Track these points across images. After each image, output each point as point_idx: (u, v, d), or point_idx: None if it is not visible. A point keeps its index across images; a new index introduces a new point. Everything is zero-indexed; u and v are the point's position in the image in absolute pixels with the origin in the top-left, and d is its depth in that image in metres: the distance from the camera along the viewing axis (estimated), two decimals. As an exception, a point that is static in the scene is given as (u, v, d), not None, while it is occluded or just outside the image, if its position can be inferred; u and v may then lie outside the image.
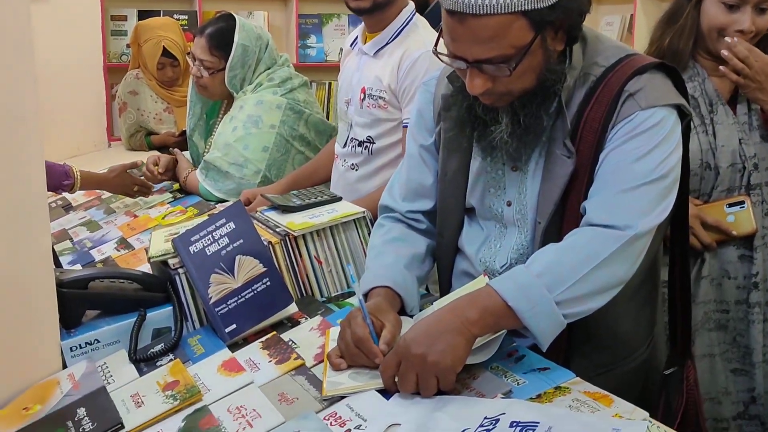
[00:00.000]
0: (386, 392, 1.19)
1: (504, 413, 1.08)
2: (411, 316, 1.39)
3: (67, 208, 2.66)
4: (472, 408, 1.12)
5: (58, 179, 2.39)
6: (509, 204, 1.40)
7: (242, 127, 2.46)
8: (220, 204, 2.36)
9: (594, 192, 1.28)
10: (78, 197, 2.78)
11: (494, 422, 1.07)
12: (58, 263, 1.72)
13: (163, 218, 2.30)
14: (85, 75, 3.72)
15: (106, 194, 2.73)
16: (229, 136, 2.45)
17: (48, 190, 2.50)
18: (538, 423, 1.05)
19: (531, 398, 1.15)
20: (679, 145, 1.28)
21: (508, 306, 1.18)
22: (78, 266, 2.03)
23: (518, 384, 1.19)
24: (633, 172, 1.25)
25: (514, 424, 1.06)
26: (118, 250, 2.09)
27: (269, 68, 2.56)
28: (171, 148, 2.96)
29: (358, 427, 1.12)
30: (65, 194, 2.83)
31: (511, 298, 1.18)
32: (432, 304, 1.40)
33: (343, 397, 1.20)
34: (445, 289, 1.52)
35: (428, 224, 1.53)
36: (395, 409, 1.14)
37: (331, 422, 1.14)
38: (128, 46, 3.89)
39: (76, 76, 3.61)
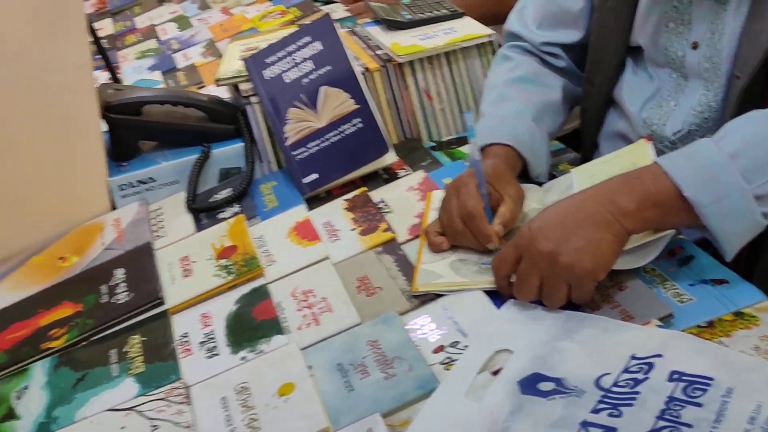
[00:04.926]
0: (497, 295, 0.89)
1: (660, 355, 0.76)
2: (540, 184, 1.05)
3: (162, -1, 2.38)
4: (613, 338, 0.80)
5: None
6: (695, 46, 0.99)
7: None
8: (326, 6, 2.00)
9: None
10: (175, -14, 2.48)
11: (646, 367, 0.75)
12: (114, 77, 1.45)
13: (260, 19, 1.98)
14: None
15: (204, -15, 2.42)
16: None
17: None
18: (712, 380, 0.72)
19: (699, 326, 0.81)
20: None
21: (683, 196, 0.82)
22: (158, 73, 1.76)
23: (681, 302, 0.85)
24: None
25: (676, 376, 0.74)
26: (204, 57, 1.80)
27: None
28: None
29: (453, 344, 0.83)
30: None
31: (689, 184, 0.82)
32: (569, 169, 1.05)
33: (439, 295, 0.90)
34: (589, 152, 1.16)
35: (568, 62, 1.15)
36: (506, 326, 0.84)
37: (418, 332, 0.86)
38: None
39: None
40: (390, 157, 1.16)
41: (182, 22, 2.10)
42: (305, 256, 1.01)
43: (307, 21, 1.81)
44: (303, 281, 0.97)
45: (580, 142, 1.21)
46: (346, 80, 1.14)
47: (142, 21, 2.20)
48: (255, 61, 1.19)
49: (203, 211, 1.15)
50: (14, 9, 1.04)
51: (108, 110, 1.17)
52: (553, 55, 1.15)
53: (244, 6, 2.15)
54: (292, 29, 1.28)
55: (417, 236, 1.01)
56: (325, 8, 1.96)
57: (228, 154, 1.21)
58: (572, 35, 1.13)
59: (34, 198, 1.14)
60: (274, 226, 1.09)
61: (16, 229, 1.14)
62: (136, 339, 0.93)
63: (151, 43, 1.99)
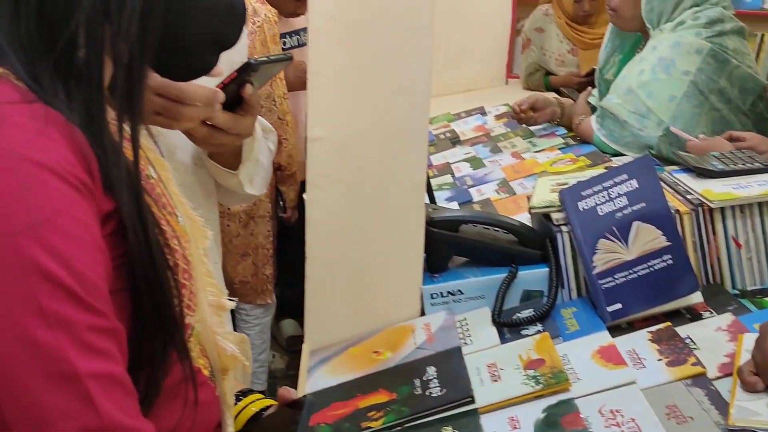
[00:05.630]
0: (821, 440, 0.87)
1: None
2: None
3: (455, 141, 2.56)
4: None
5: None
6: None
7: (650, 71, 2.11)
8: (615, 157, 2.07)
9: None
10: (467, 131, 2.68)
11: None
12: (432, 199, 1.59)
13: (551, 165, 2.09)
14: (492, 6, 3.57)
15: (495, 131, 2.59)
16: (633, 80, 2.12)
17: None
18: None
19: None
20: None
21: None
22: (454, 204, 1.90)
23: None
24: None
25: None
26: (498, 193, 1.93)
27: (697, 5, 2.16)
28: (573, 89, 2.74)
29: (775, 482, 0.82)
30: (455, 127, 2.75)
31: None
32: None
33: (756, 432, 0.90)
34: None
35: None
36: (835, 470, 0.82)
37: (736, 464, 0.85)
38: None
39: (482, 6, 3.48)
40: (696, 297, 1.17)
41: (475, 162, 2.26)
42: (611, 378, 1.04)
43: (599, 170, 1.88)
44: (609, 401, 1.00)
45: None
46: (660, 218, 1.18)
47: (437, 159, 2.39)
48: (571, 193, 1.27)
49: (508, 326, 1.22)
50: (377, 134, 1.21)
51: (429, 225, 1.30)
52: None
53: (533, 153, 2.28)
54: (599, 170, 1.36)
55: (729, 374, 1.01)
56: (616, 159, 2.03)
57: (532, 277, 1.29)
58: None
59: (359, 296, 1.28)
60: (578, 347, 1.13)
61: (339, 322, 1.28)
62: (448, 430, 0.99)
63: (447, 178, 2.16)
